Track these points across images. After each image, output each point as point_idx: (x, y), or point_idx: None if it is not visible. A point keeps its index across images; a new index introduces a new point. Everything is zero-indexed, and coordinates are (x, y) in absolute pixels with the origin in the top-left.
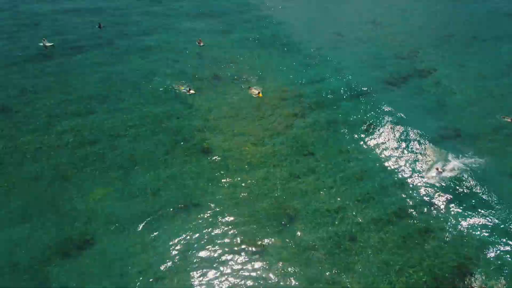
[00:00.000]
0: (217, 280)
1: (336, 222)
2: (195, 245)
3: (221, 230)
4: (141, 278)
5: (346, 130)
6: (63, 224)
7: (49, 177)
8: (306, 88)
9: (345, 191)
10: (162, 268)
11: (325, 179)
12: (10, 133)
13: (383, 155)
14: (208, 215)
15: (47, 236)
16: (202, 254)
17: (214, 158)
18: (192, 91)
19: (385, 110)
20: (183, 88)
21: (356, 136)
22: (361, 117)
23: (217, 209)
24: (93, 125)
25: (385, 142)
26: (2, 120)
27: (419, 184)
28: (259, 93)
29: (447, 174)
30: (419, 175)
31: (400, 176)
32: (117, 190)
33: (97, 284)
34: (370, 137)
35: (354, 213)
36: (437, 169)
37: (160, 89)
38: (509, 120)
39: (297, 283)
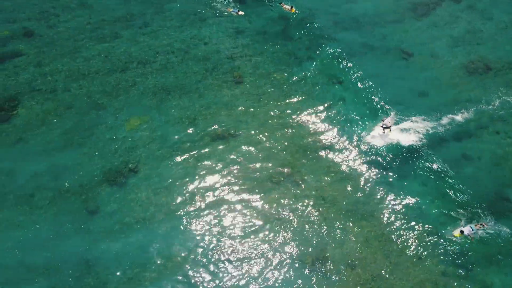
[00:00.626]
0: (259, 203)
1: None
2: (236, 173)
3: (259, 158)
4: (187, 204)
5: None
6: (106, 153)
7: (84, 106)
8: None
9: None
10: (208, 195)
11: None
12: (37, 60)
13: None
14: (245, 143)
15: (91, 163)
16: (244, 181)
17: (247, 86)
18: (241, 12)
19: None
20: (231, 9)
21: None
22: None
23: (253, 138)
24: (120, 50)
25: None
26: (26, 45)
27: None
28: (291, 8)
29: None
30: None
31: None
32: (153, 118)
33: (144, 212)
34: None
35: None
36: None
37: (183, 12)
38: None
39: None
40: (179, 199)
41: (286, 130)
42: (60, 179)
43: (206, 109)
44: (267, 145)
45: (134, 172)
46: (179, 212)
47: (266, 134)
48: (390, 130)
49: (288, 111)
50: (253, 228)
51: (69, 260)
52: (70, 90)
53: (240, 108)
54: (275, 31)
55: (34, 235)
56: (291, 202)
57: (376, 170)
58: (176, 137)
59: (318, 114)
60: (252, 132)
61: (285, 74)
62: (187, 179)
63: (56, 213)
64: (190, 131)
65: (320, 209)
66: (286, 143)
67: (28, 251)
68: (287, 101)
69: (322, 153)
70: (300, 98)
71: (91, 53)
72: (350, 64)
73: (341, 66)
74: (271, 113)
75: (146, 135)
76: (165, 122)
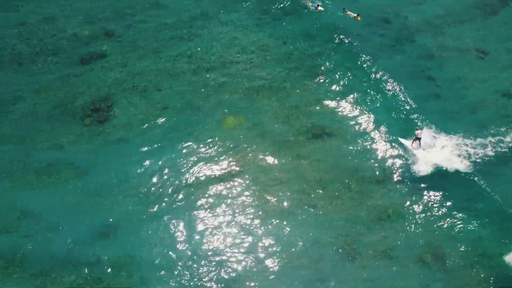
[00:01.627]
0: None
1: None
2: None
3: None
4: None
5: None
6: (209, 152)
7: (178, 105)
8: None
9: None
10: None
11: None
12: (122, 60)
13: None
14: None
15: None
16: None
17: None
18: (320, 8)
19: None
20: (310, 4)
21: None
22: None
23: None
24: (202, 50)
25: None
26: (109, 45)
27: None
28: (357, 15)
29: None
30: None
31: None
32: (248, 117)
33: None
34: None
35: None
36: None
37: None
38: None
39: None
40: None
41: None
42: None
43: (295, 108)
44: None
45: (240, 171)
46: (290, 210)
47: None
48: (419, 143)
49: None
50: None
51: None
52: (161, 90)
53: (328, 105)
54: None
55: None
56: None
57: None
58: (273, 135)
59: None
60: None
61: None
62: (294, 174)
63: None
64: (285, 129)
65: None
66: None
67: None
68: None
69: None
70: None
71: (173, 53)
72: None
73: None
74: None
75: (244, 134)
76: (260, 121)
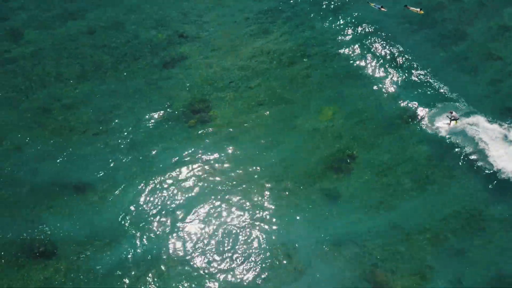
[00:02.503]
0: None
1: None
2: None
3: None
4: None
5: None
6: (315, 143)
7: (272, 101)
8: None
9: None
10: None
11: None
12: (204, 61)
13: None
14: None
15: (310, 154)
16: None
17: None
18: (384, 9)
19: None
20: (373, 4)
21: None
22: None
23: None
24: (278, 46)
25: None
26: (186, 47)
27: None
28: (420, 9)
29: None
30: None
31: None
32: (342, 107)
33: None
34: None
35: None
36: None
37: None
38: None
39: None
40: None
41: None
42: (290, 169)
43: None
44: None
45: (352, 158)
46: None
47: None
48: (456, 122)
49: None
50: None
51: None
52: (252, 88)
53: None
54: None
55: None
56: None
57: None
58: (372, 121)
59: None
60: None
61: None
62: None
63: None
64: (380, 116)
65: None
66: None
67: None
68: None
69: None
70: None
71: (251, 50)
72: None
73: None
74: None
75: (343, 123)
76: (354, 109)
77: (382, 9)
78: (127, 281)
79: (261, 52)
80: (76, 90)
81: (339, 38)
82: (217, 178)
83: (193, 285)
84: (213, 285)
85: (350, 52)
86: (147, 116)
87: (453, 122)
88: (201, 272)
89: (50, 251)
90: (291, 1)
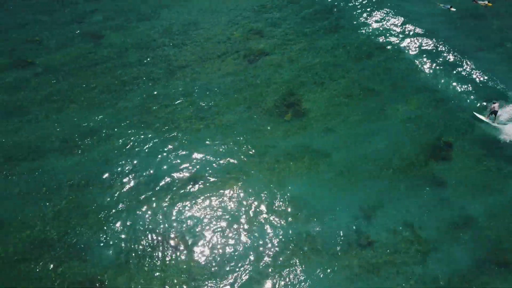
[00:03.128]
0: None
1: None
2: None
3: None
4: None
5: None
6: (411, 133)
7: (359, 92)
8: None
9: None
10: None
11: None
12: (286, 57)
13: None
14: None
15: (405, 145)
16: None
17: None
18: (453, 9)
19: None
20: (441, 5)
21: None
22: None
23: None
24: (352, 40)
25: None
26: (266, 44)
27: None
28: (487, 2)
29: None
30: None
31: None
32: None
33: None
34: None
35: None
36: None
37: None
38: None
39: None
40: None
41: None
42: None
43: None
44: None
45: (449, 145)
46: None
47: None
48: (495, 116)
49: None
50: None
51: None
52: (337, 80)
53: None
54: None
55: None
56: None
57: None
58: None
59: None
60: None
61: None
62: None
63: None
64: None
65: None
66: None
67: None
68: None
69: None
70: None
71: (327, 43)
72: None
73: None
74: None
75: (432, 111)
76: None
77: (452, 9)
78: None
79: (337, 45)
80: (169, 87)
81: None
82: (325, 167)
83: None
84: None
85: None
86: (241, 112)
87: (491, 116)
88: None
89: None
90: None
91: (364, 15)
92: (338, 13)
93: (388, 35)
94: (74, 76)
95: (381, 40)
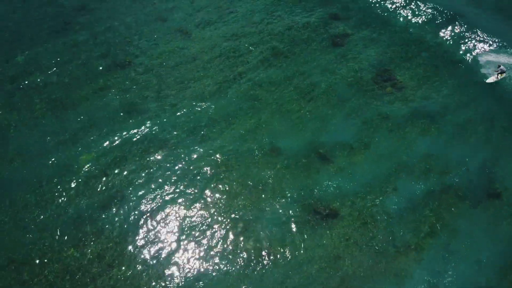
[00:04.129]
0: None
1: None
2: None
3: None
4: None
5: None
6: None
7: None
8: None
9: None
10: None
11: None
12: (369, 37)
13: None
14: None
15: None
16: None
17: None
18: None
19: None
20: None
21: None
22: None
23: None
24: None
25: None
26: (345, 26)
27: None
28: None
29: None
30: None
31: None
32: None
33: None
34: None
35: None
36: None
37: None
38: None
39: None
40: None
41: None
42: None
43: None
44: None
45: None
46: None
47: None
48: (503, 75)
49: None
50: None
51: None
52: (421, 55)
53: None
54: None
55: None
56: None
57: None
58: None
59: None
60: None
61: None
62: None
63: None
64: None
65: None
66: None
67: None
68: None
69: None
70: None
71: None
72: None
73: None
74: None
75: None
76: None
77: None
78: None
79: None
80: (261, 74)
81: None
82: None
83: None
84: None
85: None
86: (342, 88)
87: (500, 76)
88: None
89: None
90: None
91: None
92: None
93: None
94: (176, 71)
95: None
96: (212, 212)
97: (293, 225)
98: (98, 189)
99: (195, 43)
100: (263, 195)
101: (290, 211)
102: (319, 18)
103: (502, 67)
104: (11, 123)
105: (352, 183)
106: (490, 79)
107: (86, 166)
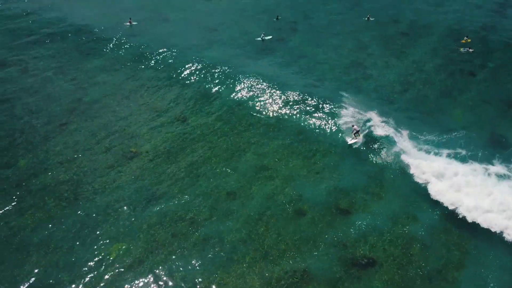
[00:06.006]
0: None
1: None
2: None
3: None
4: None
5: None
6: None
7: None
8: None
9: None
10: None
11: None
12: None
13: None
14: None
15: None
16: None
17: None
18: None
19: None
20: None
21: None
22: None
23: None
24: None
25: None
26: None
27: None
28: (469, 48)
29: None
30: None
31: None
32: None
33: None
34: None
35: None
36: None
37: None
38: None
39: None
40: None
41: None
42: None
43: None
44: None
45: None
46: None
47: None
48: (359, 134)
49: None
50: None
51: None
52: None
53: None
54: None
55: None
56: None
57: None
58: None
59: None
60: None
61: None
62: None
63: None
64: None
65: None
66: None
67: None
68: None
69: None
70: None
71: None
72: None
73: None
74: None
75: None
76: None
77: (470, 50)
78: None
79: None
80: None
81: None
82: None
83: None
84: None
85: None
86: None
87: (356, 134)
88: None
89: None
90: None
91: None
92: None
93: None
94: None
95: None
96: None
97: None
98: None
99: None
100: None
101: None
102: None
103: (355, 126)
104: None
105: None
106: (350, 140)
107: None
